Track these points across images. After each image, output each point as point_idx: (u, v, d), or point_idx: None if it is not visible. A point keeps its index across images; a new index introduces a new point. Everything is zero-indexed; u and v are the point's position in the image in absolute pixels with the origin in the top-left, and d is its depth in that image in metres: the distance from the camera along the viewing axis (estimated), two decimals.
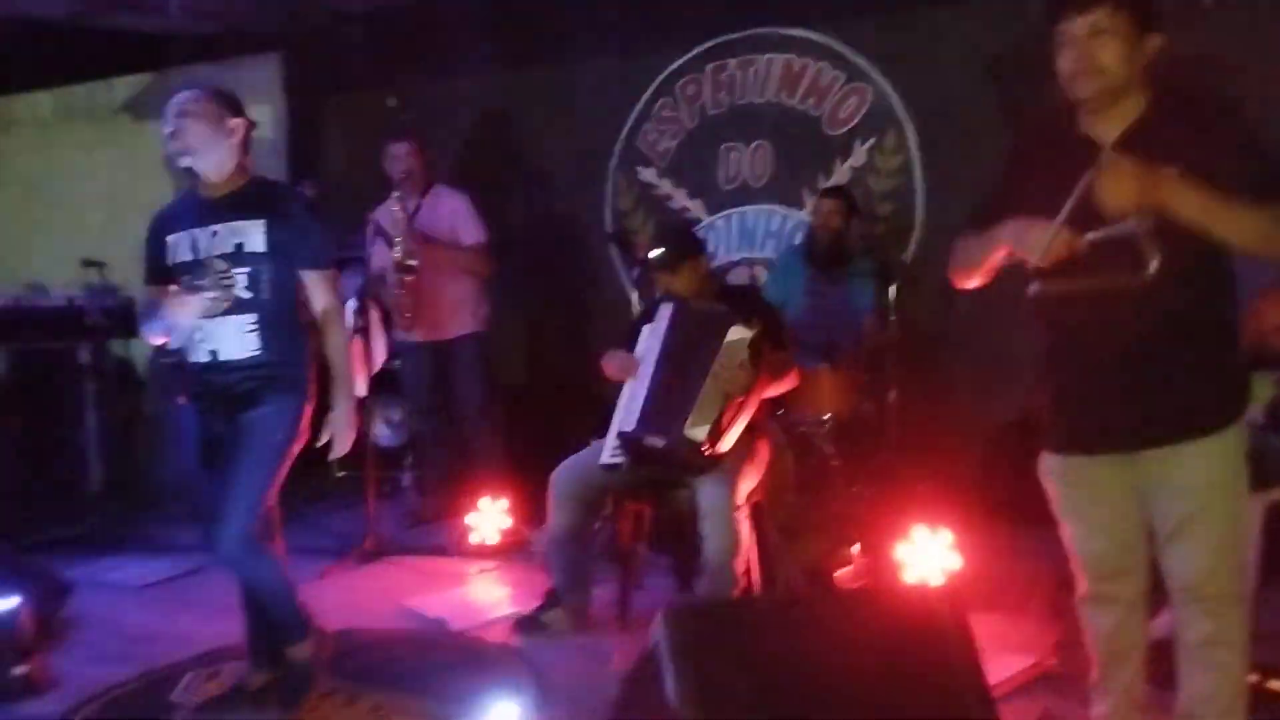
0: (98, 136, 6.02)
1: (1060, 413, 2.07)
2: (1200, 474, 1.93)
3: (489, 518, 4.13)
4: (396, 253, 4.24)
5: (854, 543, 3.77)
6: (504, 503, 4.15)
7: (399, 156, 4.39)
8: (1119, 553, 2.06)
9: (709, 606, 2.38)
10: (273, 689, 2.68)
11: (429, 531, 4.44)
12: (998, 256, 2.03)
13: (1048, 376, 2.09)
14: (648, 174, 5.08)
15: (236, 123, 2.58)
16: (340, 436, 2.67)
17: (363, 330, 4.03)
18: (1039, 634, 2.97)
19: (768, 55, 4.76)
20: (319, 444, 2.63)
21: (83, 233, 5.40)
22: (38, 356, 4.63)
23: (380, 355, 4.26)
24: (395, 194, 4.37)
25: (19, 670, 2.79)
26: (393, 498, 4.90)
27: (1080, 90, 1.92)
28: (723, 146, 4.90)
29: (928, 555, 3.35)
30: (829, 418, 4.05)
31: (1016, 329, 4.14)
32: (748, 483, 3.08)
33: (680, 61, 4.96)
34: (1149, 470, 1.97)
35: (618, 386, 3.26)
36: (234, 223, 2.54)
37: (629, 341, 3.31)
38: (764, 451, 3.23)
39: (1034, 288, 1.95)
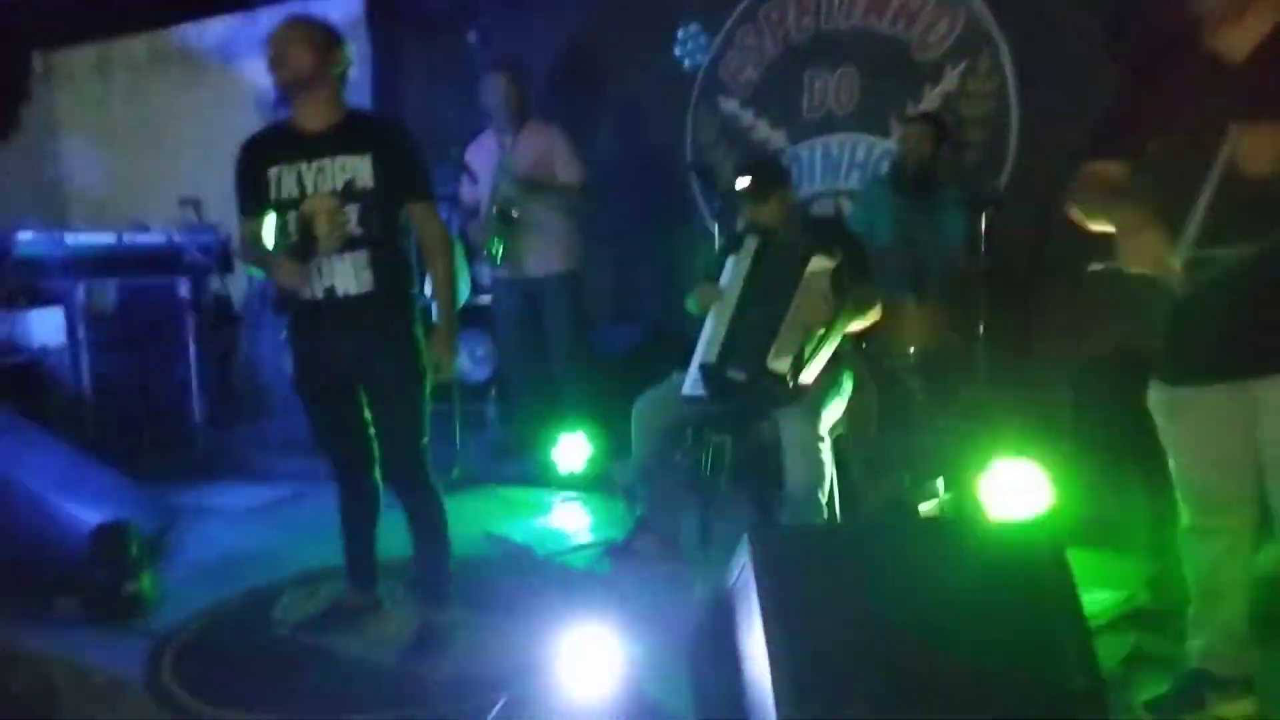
0: (190, 79, 6.16)
1: (1174, 344, 2.01)
2: None
3: (573, 450, 4.19)
4: (494, 196, 4.22)
5: (939, 478, 3.71)
6: (587, 435, 4.19)
7: (495, 89, 4.32)
8: (1226, 484, 2.00)
9: (796, 530, 2.37)
10: (369, 611, 2.78)
11: (513, 463, 4.52)
12: (1104, 227, 1.94)
13: (1164, 309, 2.01)
14: (729, 105, 4.98)
15: (339, 54, 2.55)
16: (444, 362, 2.64)
17: None
18: (1130, 570, 2.90)
19: None
20: (424, 370, 2.61)
21: (178, 173, 5.56)
22: (141, 292, 4.79)
23: (465, 291, 4.30)
24: (489, 129, 4.35)
25: (129, 588, 2.94)
26: (478, 430, 5.00)
27: (1205, 2, 1.80)
28: (807, 74, 4.76)
29: (1014, 490, 3.28)
30: (915, 351, 3.97)
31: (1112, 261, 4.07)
32: (831, 415, 3.05)
33: None
34: (1263, 397, 1.90)
35: (701, 319, 3.24)
36: (341, 158, 2.50)
37: (714, 274, 3.28)
38: (848, 384, 3.19)
39: (1180, 289, 1.85)
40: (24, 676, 2.75)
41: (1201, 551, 2.05)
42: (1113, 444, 3.98)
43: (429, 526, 2.67)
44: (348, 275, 2.52)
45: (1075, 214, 2.06)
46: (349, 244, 2.51)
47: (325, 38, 2.53)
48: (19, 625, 2.86)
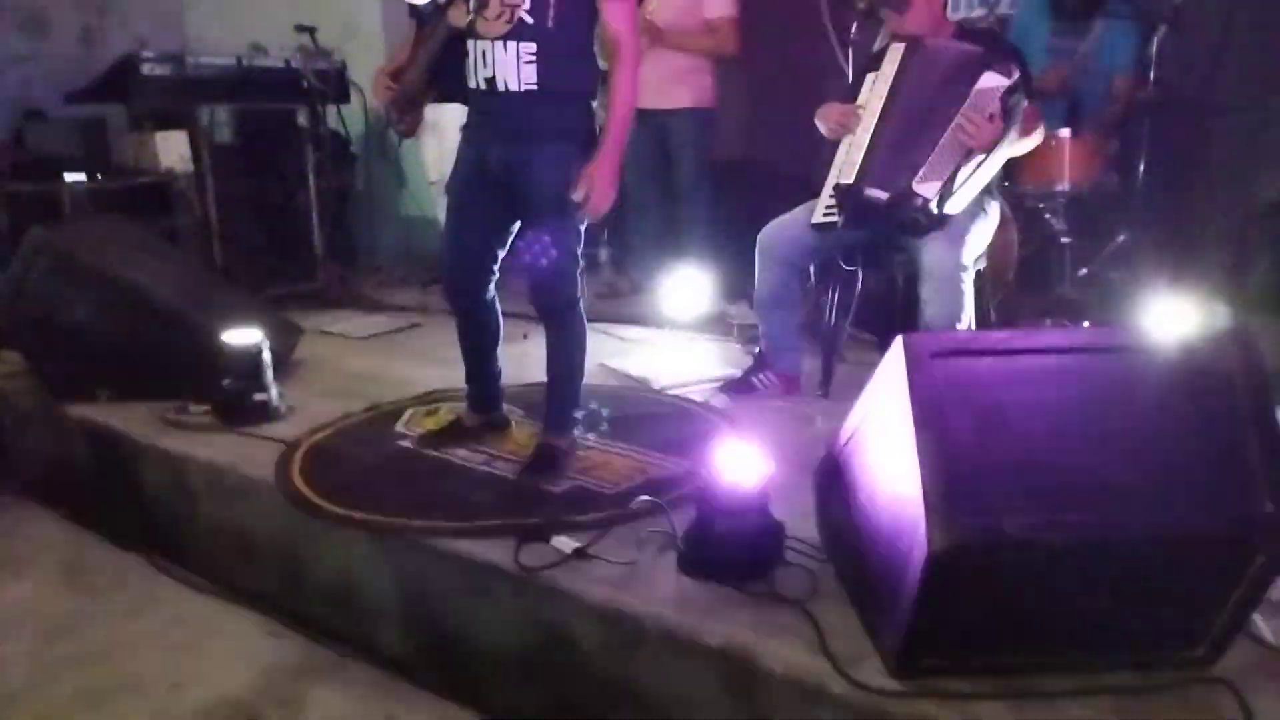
0: None
1: None
2: None
3: (690, 290, 4.07)
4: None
5: (1083, 327, 3.47)
6: (707, 276, 4.06)
7: None
8: None
9: (950, 336, 2.21)
10: (489, 431, 2.77)
11: (627, 303, 4.45)
12: None
13: None
14: None
15: None
16: (597, 192, 2.32)
17: None
18: None
19: None
20: (575, 198, 2.33)
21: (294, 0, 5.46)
22: (261, 119, 4.79)
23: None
24: None
25: (258, 398, 3.01)
26: (590, 273, 4.92)
27: None
28: None
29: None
30: (1065, 189, 3.67)
31: None
32: (976, 244, 2.83)
33: None
34: None
35: (832, 150, 3.02)
36: None
37: (849, 95, 3.04)
38: (994, 214, 2.95)
39: None
40: (158, 474, 2.86)
41: None
42: (1276, 298, 3.68)
43: (568, 352, 2.55)
44: (509, 67, 2.29)
45: None
46: (516, 31, 2.28)
47: None
48: (154, 427, 2.97)
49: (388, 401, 3.17)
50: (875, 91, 2.90)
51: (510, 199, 2.44)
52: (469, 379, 2.78)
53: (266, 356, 3.05)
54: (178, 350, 3.15)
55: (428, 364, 3.56)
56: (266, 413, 3.01)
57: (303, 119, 4.81)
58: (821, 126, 3.02)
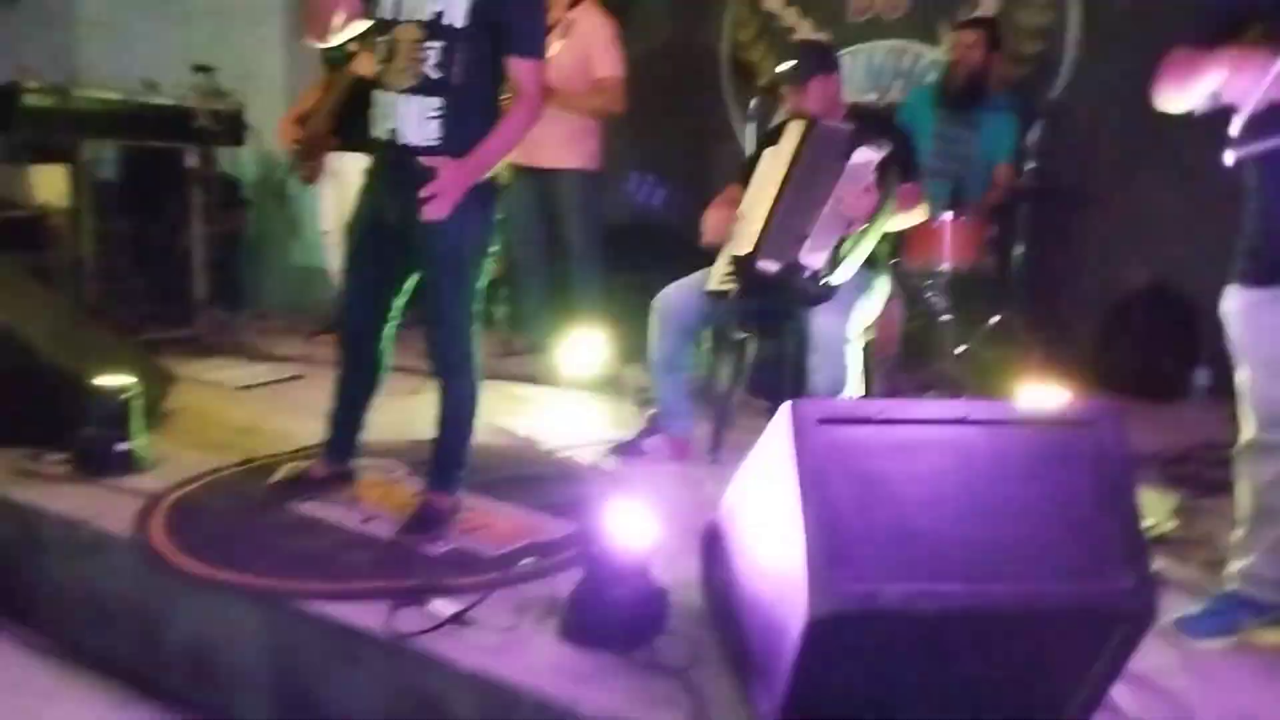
0: None
1: (1258, 241, 1.89)
2: None
3: (584, 351, 4.06)
4: None
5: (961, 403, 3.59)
6: (599, 337, 4.07)
7: None
8: None
9: (836, 405, 2.25)
10: (338, 483, 2.66)
11: (521, 362, 4.41)
12: (1207, 79, 1.77)
13: (1254, 203, 1.89)
14: (772, 2, 4.74)
15: None
16: (437, 196, 2.25)
17: None
18: (1156, 500, 2.80)
19: None
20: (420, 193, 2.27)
21: (194, 41, 5.34)
22: (148, 158, 4.64)
23: None
24: None
25: (122, 447, 2.85)
26: (486, 328, 4.87)
27: None
28: None
29: None
30: (946, 269, 3.82)
31: (1162, 188, 3.90)
32: (862, 317, 2.91)
33: None
34: None
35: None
36: None
37: (747, 170, 3.13)
38: (881, 290, 3.05)
39: (1229, 155, 1.72)
40: (3, 526, 2.67)
41: (1263, 469, 1.94)
42: (1139, 379, 3.89)
43: (460, 407, 2.50)
44: (412, 121, 2.28)
45: (1160, 92, 1.89)
46: (422, 86, 2.26)
47: None
48: (4, 476, 2.77)
49: (262, 455, 3.03)
50: (772, 166, 2.98)
51: (408, 251, 2.40)
52: (332, 424, 2.69)
53: (134, 403, 2.90)
54: (36, 393, 2.97)
55: (308, 417, 3.40)
56: (130, 464, 2.84)
57: (192, 160, 4.67)
58: (705, 228, 3.07)
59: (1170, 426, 3.49)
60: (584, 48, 4.12)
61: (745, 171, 3.14)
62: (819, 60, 3.08)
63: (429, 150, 2.29)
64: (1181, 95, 1.86)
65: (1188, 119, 1.91)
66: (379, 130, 2.35)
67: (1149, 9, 3.72)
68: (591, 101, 4.19)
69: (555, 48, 4.05)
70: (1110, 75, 3.93)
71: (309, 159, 4.17)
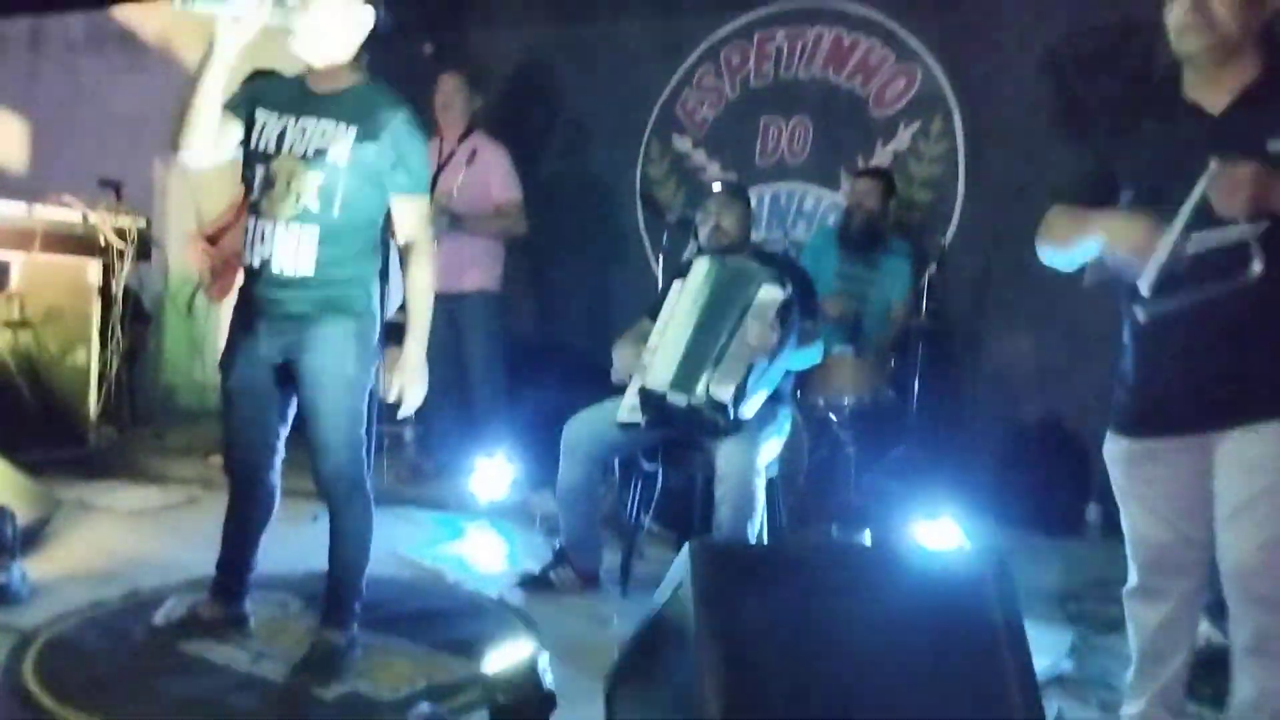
0: (127, 61, 5.93)
1: (1137, 394, 1.97)
2: (1272, 449, 1.80)
3: (491, 476, 4.03)
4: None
5: (865, 532, 3.66)
6: (507, 462, 4.04)
7: (446, 88, 4.34)
8: (1178, 545, 1.95)
9: (739, 547, 2.26)
10: (229, 625, 2.54)
11: (429, 487, 4.35)
12: (1087, 243, 1.91)
13: (1129, 357, 1.99)
14: (683, 143, 4.96)
15: (368, 13, 2.31)
16: (410, 389, 2.39)
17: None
18: (1052, 639, 2.87)
19: (817, 28, 4.64)
20: (389, 399, 2.38)
21: (104, 155, 5.30)
22: (44, 269, 4.51)
23: (396, 301, 4.15)
24: (434, 140, 4.28)
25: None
26: (394, 453, 4.80)
27: (1188, 45, 1.80)
28: (763, 120, 4.77)
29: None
30: (848, 403, 3.94)
31: (1048, 330, 4.13)
32: (768, 451, 2.97)
33: (727, 29, 4.83)
34: (1222, 450, 1.86)
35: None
36: (324, 122, 2.29)
37: (657, 302, 3.21)
38: (786, 423, 3.13)
39: (1141, 313, 1.86)
40: None
41: (1148, 613, 2.00)
42: (1034, 512, 4.02)
43: (353, 538, 2.44)
44: (288, 250, 2.30)
45: (1042, 248, 2.03)
46: (301, 216, 2.29)
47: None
48: None
49: (149, 588, 2.89)
50: (681, 300, 3.07)
51: (287, 378, 2.39)
52: (221, 564, 2.59)
53: (12, 532, 2.75)
54: None
55: (201, 545, 3.26)
56: (4, 597, 2.68)
57: (93, 274, 4.56)
58: (616, 363, 3.14)
59: (1066, 562, 3.60)
60: (485, 174, 4.29)
61: (655, 305, 3.22)
62: (743, 193, 3.33)
63: (302, 280, 2.31)
64: (1062, 254, 2.00)
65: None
66: (253, 258, 2.35)
67: (1027, 167, 4.03)
68: (495, 224, 4.34)
69: (459, 176, 4.21)
70: (996, 224, 4.20)
71: (220, 277, 4.13)
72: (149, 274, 5.03)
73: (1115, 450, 2.01)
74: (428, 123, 4.31)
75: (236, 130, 2.38)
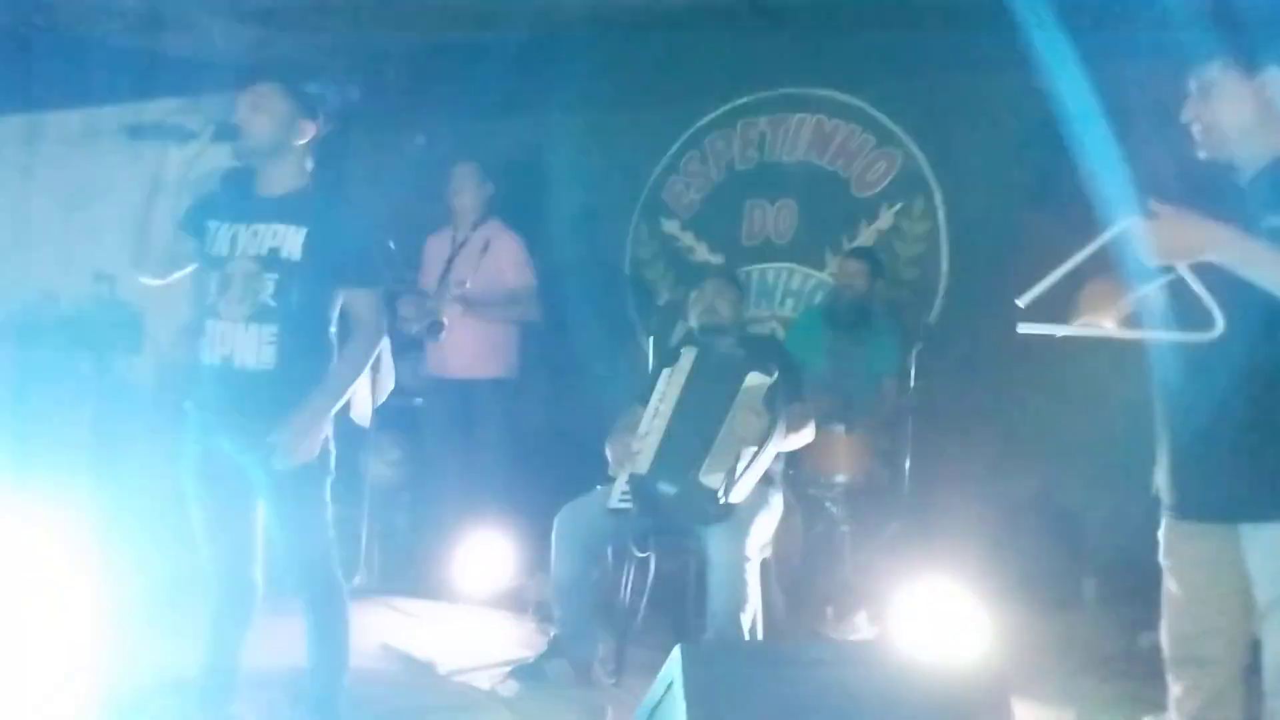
0: (122, 156, 6.02)
1: (1170, 475, 1.98)
2: None
3: (487, 564, 3.99)
4: (429, 303, 4.21)
5: (861, 612, 3.62)
6: (503, 549, 4.01)
7: (463, 177, 4.36)
8: (1204, 634, 1.92)
9: (727, 648, 2.24)
10: None
11: (423, 573, 4.29)
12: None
13: (1161, 438, 2.01)
14: (671, 225, 5.05)
15: (307, 125, 2.44)
16: (287, 445, 2.32)
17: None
18: (1052, 715, 2.83)
19: (799, 115, 4.75)
20: (269, 440, 2.32)
21: (99, 250, 5.36)
22: (39, 366, 4.54)
23: (386, 388, 4.15)
24: (448, 228, 4.34)
25: None
26: (386, 538, 4.77)
27: (1208, 155, 1.88)
28: (748, 203, 4.86)
29: (937, 629, 3.20)
30: (841, 481, 3.94)
31: (1039, 402, 4.15)
32: (760, 536, 2.96)
33: (710, 116, 4.95)
34: (1250, 543, 1.84)
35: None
36: (275, 225, 2.37)
37: (647, 387, 3.23)
38: (778, 506, 3.12)
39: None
40: None
41: (1183, 699, 1.94)
42: (1031, 588, 3.98)
43: (330, 634, 2.44)
44: (248, 347, 2.35)
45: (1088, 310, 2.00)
46: (258, 314, 2.35)
47: (293, 108, 2.41)
48: None
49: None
50: (669, 387, 3.09)
51: (247, 477, 2.40)
52: (209, 664, 2.54)
53: None
54: None
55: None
56: None
57: (88, 368, 4.60)
58: (610, 456, 3.15)
59: (1063, 637, 3.56)
60: (498, 262, 4.32)
61: (645, 390, 3.24)
62: (738, 281, 3.44)
63: (265, 374, 2.35)
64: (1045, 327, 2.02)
65: (1052, 343, 2.05)
66: (210, 357, 2.39)
67: (1008, 243, 4.09)
68: (509, 311, 4.35)
69: (474, 264, 4.25)
70: (980, 300, 4.25)
71: None
72: (143, 365, 5.04)
73: (1163, 532, 2.00)
74: (422, 211, 4.39)
75: (190, 245, 2.45)
